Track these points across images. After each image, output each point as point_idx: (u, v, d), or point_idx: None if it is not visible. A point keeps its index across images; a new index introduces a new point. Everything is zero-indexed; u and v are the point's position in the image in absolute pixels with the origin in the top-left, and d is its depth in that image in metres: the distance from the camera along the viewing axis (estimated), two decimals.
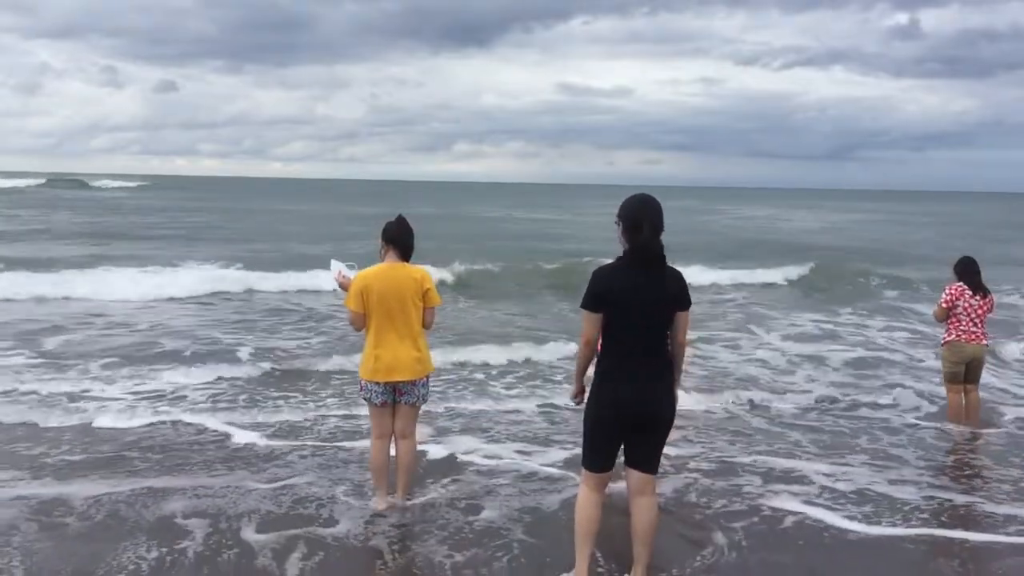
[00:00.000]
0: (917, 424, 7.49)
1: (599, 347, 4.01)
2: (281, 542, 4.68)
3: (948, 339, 7.34)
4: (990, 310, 7.36)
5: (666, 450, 4.39)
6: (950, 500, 5.62)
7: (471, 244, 24.02)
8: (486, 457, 6.28)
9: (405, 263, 5.03)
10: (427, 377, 5.14)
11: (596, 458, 4.04)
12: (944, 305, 7.31)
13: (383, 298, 4.91)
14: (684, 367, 4.37)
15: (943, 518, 5.31)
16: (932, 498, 5.63)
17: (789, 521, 5.16)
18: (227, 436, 6.69)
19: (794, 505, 5.43)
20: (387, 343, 4.95)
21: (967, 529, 5.13)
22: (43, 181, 78.68)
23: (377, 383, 4.99)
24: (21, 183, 70.41)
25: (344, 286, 5.14)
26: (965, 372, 7.35)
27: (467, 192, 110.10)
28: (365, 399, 5.11)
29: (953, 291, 7.31)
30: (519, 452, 6.42)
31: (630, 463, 4.06)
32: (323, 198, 69.28)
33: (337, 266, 5.28)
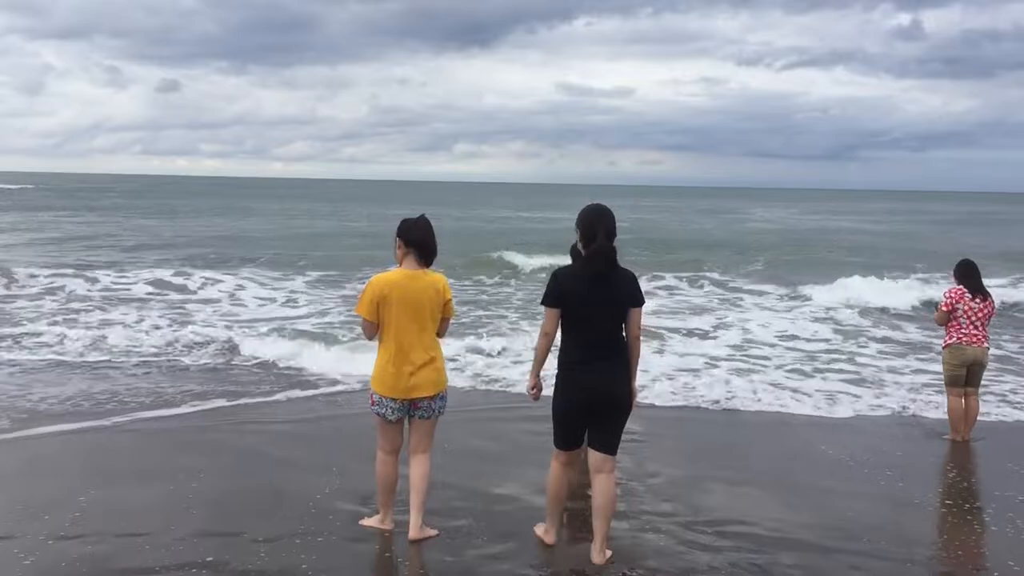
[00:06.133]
0: None
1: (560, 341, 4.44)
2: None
3: (949, 342, 7.30)
4: (991, 312, 7.33)
5: None
6: None
7: None
8: None
9: (427, 270, 4.65)
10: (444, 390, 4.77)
11: (567, 439, 4.54)
12: (944, 308, 7.28)
13: (403, 310, 4.54)
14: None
15: None
16: None
17: None
18: None
19: None
20: (408, 358, 4.57)
21: None
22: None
23: (395, 399, 4.64)
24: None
25: None
26: (966, 376, 7.30)
27: (471, 192, 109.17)
28: (378, 414, 4.71)
29: (953, 294, 7.28)
30: None
31: (592, 444, 4.52)
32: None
33: None
